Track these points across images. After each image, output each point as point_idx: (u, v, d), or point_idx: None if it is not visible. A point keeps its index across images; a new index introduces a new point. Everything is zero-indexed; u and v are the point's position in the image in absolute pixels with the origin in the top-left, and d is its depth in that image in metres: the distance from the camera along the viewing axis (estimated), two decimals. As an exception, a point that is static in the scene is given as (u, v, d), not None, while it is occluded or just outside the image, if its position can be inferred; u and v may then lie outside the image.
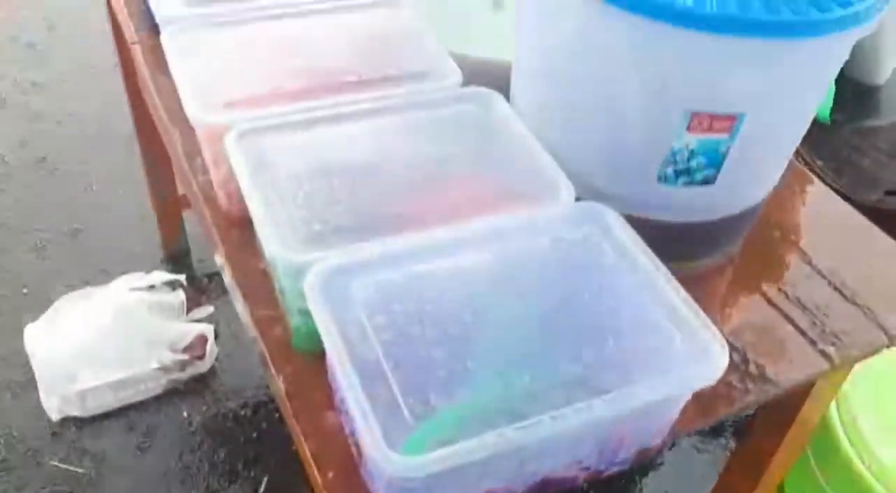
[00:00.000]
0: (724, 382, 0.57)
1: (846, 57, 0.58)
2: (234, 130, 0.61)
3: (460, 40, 0.77)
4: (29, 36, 2.23)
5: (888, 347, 0.67)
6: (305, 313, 0.52)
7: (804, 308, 0.68)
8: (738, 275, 0.71)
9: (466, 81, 0.69)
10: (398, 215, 0.57)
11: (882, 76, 1.82)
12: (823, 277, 0.71)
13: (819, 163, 1.61)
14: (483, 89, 0.68)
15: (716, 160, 0.59)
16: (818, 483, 0.94)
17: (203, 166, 0.72)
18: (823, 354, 0.64)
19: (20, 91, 2.05)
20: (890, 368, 0.96)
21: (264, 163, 0.59)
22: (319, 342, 0.49)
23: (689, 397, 0.53)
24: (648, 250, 0.55)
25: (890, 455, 0.89)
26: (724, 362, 0.49)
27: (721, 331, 0.51)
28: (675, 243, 0.66)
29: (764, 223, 0.74)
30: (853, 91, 1.57)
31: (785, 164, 0.67)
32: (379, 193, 0.59)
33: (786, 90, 0.56)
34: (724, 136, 0.58)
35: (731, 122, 0.57)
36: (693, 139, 0.58)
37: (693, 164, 0.60)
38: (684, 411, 0.55)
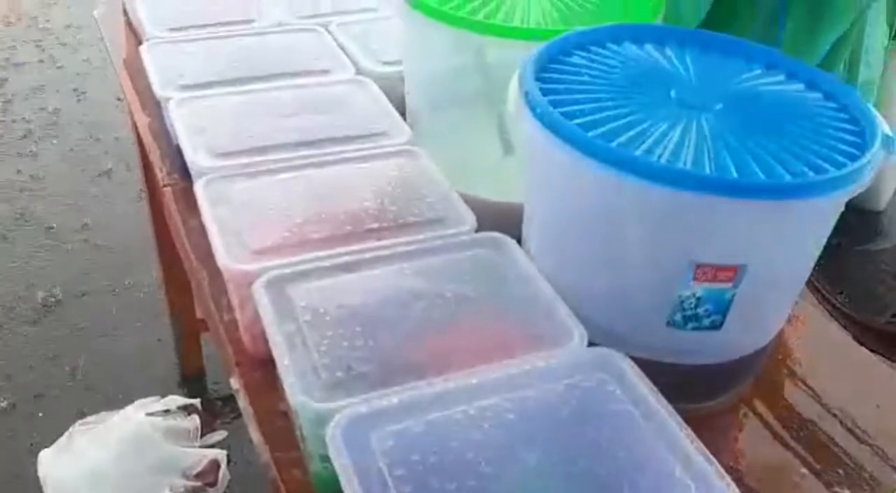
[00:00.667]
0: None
1: (843, 206, 0.62)
2: (263, 277, 0.64)
3: (473, 183, 0.82)
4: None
5: (904, 489, 0.67)
6: (326, 459, 0.54)
7: (817, 449, 0.69)
8: (750, 415, 0.72)
9: (480, 222, 0.73)
10: (418, 361, 0.59)
11: (882, 202, 1.88)
12: (834, 416, 0.72)
13: (826, 286, 1.63)
14: (496, 235, 0.71)
15: (722, 307, 0.62)
16: None
17: (228, 306, 0.76)
18: (839, 497, 0.65)
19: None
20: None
21: (290, 309, 0.62)
22: (340, 489, 0.50)
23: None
24: (661, 398, 0.57)
25: None
26: (738, 515, 0.50)
27: (736, 473, 0.52)
28: (685, 385, 0.68)
29: (773, 362, 0.76)
30: (855, 216, 1.61)
31: (790, 306, 0.69)
32: (399, 338, 0.62)
33: (786, 243, 0.60)
34: (729, 285, 0.60)
35: (734, 272, 0.59)
36: (699, 288, 0.60)
37: (700, 310, 0.62)
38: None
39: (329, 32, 1.04)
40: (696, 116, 0.62)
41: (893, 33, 1.25)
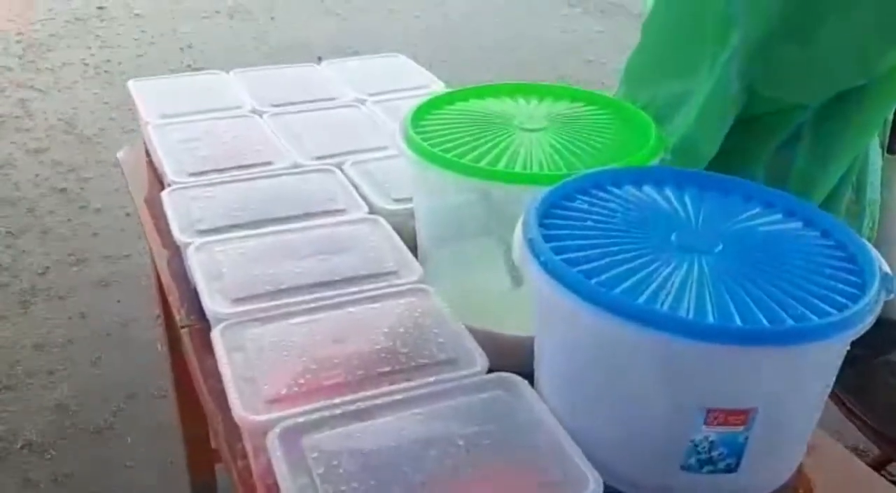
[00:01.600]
0: None
1: (849, 345, 0.62)
2: (276, 428, 0.65)
3: (485, 316, 0.83)
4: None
5: None
6: None
7: None
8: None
9: (492, 357, 0.74)
10: (432, 512, 0.59)
11: (900, 311, 1.87)
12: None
13: (849, 398, 1.60)
14: (508, 376, 0.72)
15: (736, 450, 0.62)
16: None
17: (243, 451, 0.76)
18: None
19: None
20: None
21: (303, 462, 0.62)
22: None
23: None
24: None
25: None
26: None
27: None
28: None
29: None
30: (875, 326, 1.59)
31: (805, 442, 0.68)
32: (413, 485, 0.61)
33: (794, 385, 0.60)
34: (741, 428, 0.60)
35: (745, 415, 0.60)
36: (712, 432, 0.60)
37: (714, 454, 0.62)
38: None
39: (343, 172, 1.08)
40: (696, 259, 0.64)
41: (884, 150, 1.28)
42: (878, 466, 1.67)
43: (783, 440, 0.65)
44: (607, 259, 0.64)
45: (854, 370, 1.58)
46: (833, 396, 1.60)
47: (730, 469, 0.63)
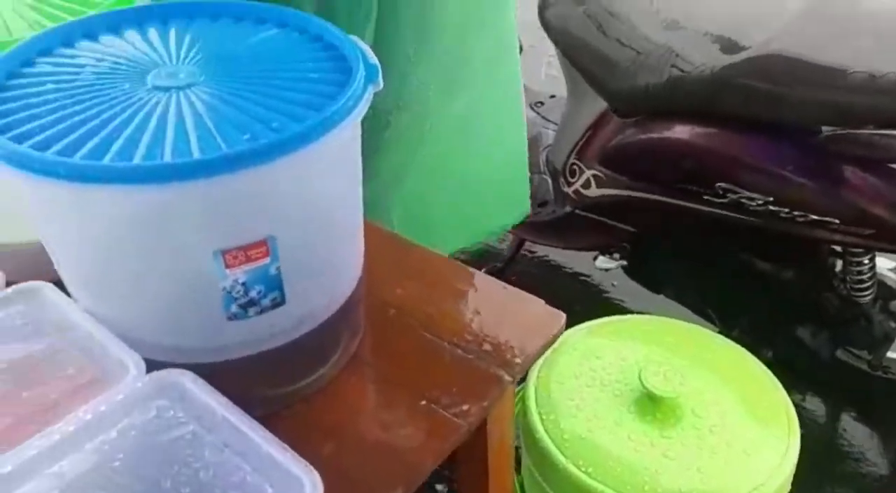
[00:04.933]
0: None
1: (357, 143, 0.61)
2: None
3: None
4: None
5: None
6: None
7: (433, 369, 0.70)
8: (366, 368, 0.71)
9: (10, 270, 0.64)
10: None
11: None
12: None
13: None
14: (31, 285, 0.62)
15: (274, 283, 0.59)
16: (542, 488, 0.96)
17: None
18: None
19: None
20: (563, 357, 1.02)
21: None
22: None
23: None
24: (229, 403, 0.53)
25: (569, 425, 0.94)
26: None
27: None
28: (278, 371, 0.65)
29: (377, 308, 0.75)
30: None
31: (350, 261, 0.68)
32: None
33: (298, 200, 0.57)
34: (266, 260, 0.57)
35: (264, 246, 0.56)
36: (239, 273, 0.57)
37: (253, 294, 0.58)
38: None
39: None
40: (175, 96, 0.57)
41: None
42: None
43: (321, 257, 0.63)
44: (67, 123, 0.54)
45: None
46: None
47: (278, 304, 0.60)
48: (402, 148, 1.08)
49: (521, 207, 1.27)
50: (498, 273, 1.77)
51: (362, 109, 0.58)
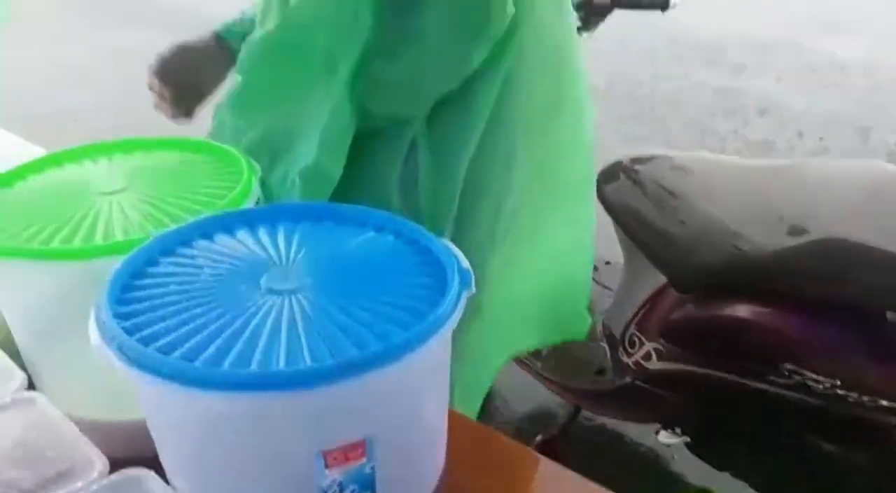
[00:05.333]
0: None
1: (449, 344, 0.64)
2: None
3: (107, 408, 0.74)
4: None
5: None
6: None
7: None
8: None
9: (122, 449, 0.67)
10: None
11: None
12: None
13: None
14: (133, 472, 0.65)
15: (367, 482, 0.60)
16: None
17: None
18: None
19: None
20: None
21: None
22: None
23: None
24: None
25: None
26: None
27: None
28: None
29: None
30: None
31: (441, 448, 0.69)
32: None
33: (399, 402, 0.60)
34: (363, 460, 0.59)
35: (362, 447, 0.58)
36: (336, 473, 0.59)
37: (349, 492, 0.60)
38: None
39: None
40: (287, 300, 0.61)
41: None
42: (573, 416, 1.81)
43: (413, 454, 0.65)
44: (189, 326, 0.59)
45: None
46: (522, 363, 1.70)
47: (368, 502, 0.61)
48: None
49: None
50: (552, 440, 1.74)
51: (458, 315, 0.61)
